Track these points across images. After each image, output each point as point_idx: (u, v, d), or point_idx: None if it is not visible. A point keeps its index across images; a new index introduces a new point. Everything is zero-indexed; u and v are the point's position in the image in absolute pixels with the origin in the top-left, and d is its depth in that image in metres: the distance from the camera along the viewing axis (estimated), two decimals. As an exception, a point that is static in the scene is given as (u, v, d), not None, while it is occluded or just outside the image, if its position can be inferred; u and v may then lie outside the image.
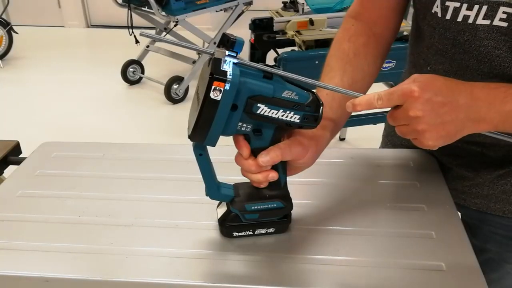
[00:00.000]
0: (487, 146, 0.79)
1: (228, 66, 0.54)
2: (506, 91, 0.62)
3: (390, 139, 0.99)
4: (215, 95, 0.54)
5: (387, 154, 0.89)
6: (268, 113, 0.58)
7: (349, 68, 0.75)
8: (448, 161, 0.85)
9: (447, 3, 0.71)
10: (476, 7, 0.68)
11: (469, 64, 0.73)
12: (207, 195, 0.66)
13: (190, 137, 0.58)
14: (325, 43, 2.39)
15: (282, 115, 0.59)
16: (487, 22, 0.68)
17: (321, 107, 0.61)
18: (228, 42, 0.55)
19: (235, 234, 0.67)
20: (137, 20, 3.24)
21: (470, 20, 0.70)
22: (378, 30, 0.81)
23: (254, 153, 0.64)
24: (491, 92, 0.62)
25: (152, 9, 3.03)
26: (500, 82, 0.67)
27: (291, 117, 0.60)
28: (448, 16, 0.72)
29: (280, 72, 0.59)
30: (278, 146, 0.62)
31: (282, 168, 0.65)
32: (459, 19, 0.70)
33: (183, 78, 3.25)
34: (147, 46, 3.46)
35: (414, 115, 0.58)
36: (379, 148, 1.02)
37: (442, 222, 0.70)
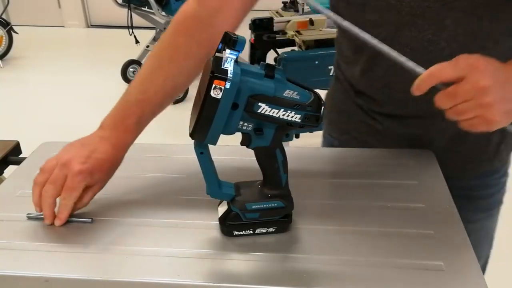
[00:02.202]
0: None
1: (229, 65, 0.54)
2: None
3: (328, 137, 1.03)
4: (215, 94, 0.54)
5: (387, 154, 0.89)
6: (269, 112, 0.58)
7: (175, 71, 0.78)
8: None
9: None
10: None
11: (404, 21, 0.77)
12: (208, 193, 0.66)
13: (191, 135, 0.58)
14: (325, 43, 2.40)
15: (283, 115, 0.59)
16: None
17: (323, 107, 0.61)
18: (229, 41, 0.54)
19: (236, 233, 0.67)
20: (137, 20, 3.25)
21: None
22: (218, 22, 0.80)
23: (255, 152, 0.64)
24: None
25: (152, 9, 3.03)
26: (435, 30, 0.75)
27: (292, 117, 0.60)
28: None
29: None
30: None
31: (283, 167, 0.65)
32: None
33: (183, 78, 3.25)
34: (147, 46, 3.46)
35: (483, 85, 0.57)
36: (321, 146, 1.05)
37: (442, 222, 0.70)
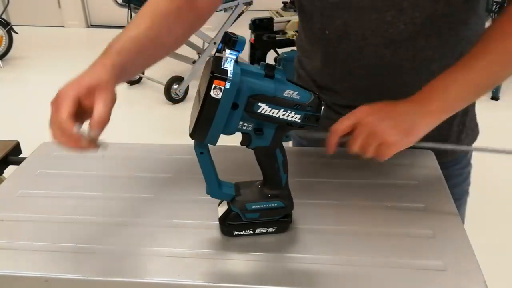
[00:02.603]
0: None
1: (229, 65, 0.54)
2: (444, 82, 0.72)
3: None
4: (215, 94, 0.54)
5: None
6: (269, 112, 0.58)
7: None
8: None
9: None
10: None
11: (364, 4, 0.80)
12: (208, 193, 0.66)
13: (191, 135, 0.58)
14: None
15: (283, 115, 0.59)
16: None
17: (323, 107, 0.61)
18: (230, 41, 0.54)
19: (236, 233, 0.67)
20: (137, 20, 3.24)
21: None
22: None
23: (255, 152, 0.64)
24: (427, 90, 0.72)
25: (152, 9, 3.03)
26: (394, 12, 0.78)
27: (292, 117, 0.60)
28: None
29: None
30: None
31: (283, 167, 0.65)
32: None
33: (183, 78, 3.25)
34: (147, 46, 3.45)
35: (369, 122, 0.69)
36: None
37: (442, 222, 0.70)
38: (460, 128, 0.93)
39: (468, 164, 1.00)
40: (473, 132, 0.97)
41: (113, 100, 0.67)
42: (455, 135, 0.93)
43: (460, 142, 0.94)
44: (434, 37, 0.82)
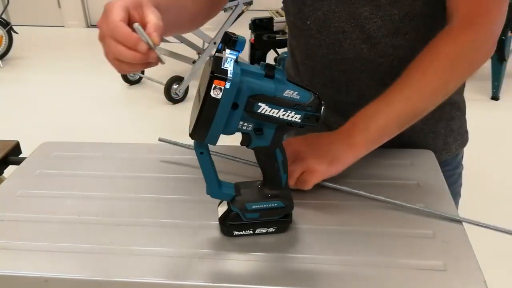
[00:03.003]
0: None
1: (229, 65, 0.54)
2: (367, 114, 0.76)
3: None
4: (215, 94, 0.54)
5: (387, 154, 0.89)
6: (269, 112, 0.58)
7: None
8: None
9: None
10: None
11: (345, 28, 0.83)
12: (208, 193, 0.66)
13: (191, 135, 0.58)
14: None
15: (283, 115, 0.59)
16: None
17: (323, 107, 0.61)
18: (230, 41, 0.54)
19: (236, 233, 0.67)
20: (137, 20, 3.24)
21: None
22: None
23: (255, 152, 0.64)
24: (351, 122, 0.77)
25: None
26: (372, 7, 0.80)
27: (292, 117, 0.60)
28: None
29: None
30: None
31: (283, 167, 0.65)
32: None
33: (183, 78, 3.26)
34: (147, 46, 3.45)
35: (297, 151, 0.74)
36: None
37: (442, 222, 0.70)
38: (447, 132, 0.93)
39: (459, 165, 1.00)
40: (462, 137, 0.97)
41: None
42: (442, 138, 0.93)
43: (448, 145, 0.94)
44: (412, 35, 0.83)
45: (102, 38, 0.62)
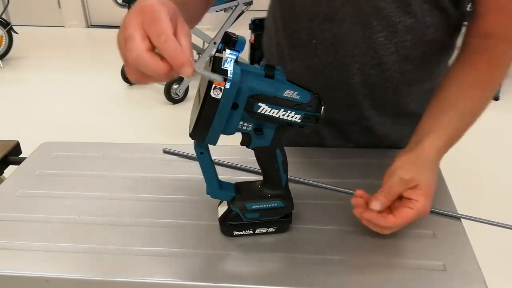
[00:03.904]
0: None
1: (229, 65, 0.54)
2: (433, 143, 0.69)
3: None
4: (215, 94, 0.54)
5: (387, 154, 0.88)
6: (269, 112, 0.58)
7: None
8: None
9: None
10: None
11: (358, 20, 0.79)
12: (208, 193, 0.66)
13: (191, 135, 0.58)
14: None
15: (283, 115, 0.59)
16: None
17: (322, 107, 0.61)
18: (230, 41, 0.54)
19: (236, 233, 0.67)
20: (137, 20, 3.24)
21: None
22: None
23: (255, 152, 0.64)
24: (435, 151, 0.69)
25: (152, 9, 3.02)
26: (387, 33, 0.78)
27: (292, 117, 0.60)
28: None
29: None
30: None
31: (283, 167, 0.65)
32: None
33: (183, 78, 3.25)
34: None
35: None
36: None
37: (442, 222, 0.70)
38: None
39: None
40: None
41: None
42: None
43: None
44: (419, 60, 0.83)
45: (130, 39, 0.51)
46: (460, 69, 0.76)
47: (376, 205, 0.64)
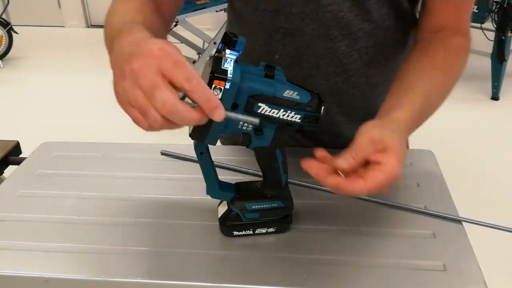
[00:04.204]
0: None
1: (229, 65, 0.54)
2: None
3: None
4: (215, 94, 0.54)
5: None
6: (269, 112, 0.58)
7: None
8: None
9: None
10: None
11: (319, 32, 0.79)
12: (208, 193, 0.66)
13: (191, 135, 0.58)
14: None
15: (283, 115, 0.59)
16: None
17: (322, 107, 0.61)
18: (230, 41, 0.54)
19: (236, 233, 0.67)
20: (137, 20, 3.24)
21: None
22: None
23: (255, 152, 0.64)
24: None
25: (152, 9, 3.03)
26: (349, 41, 0.79)
27: (292, 117, 0.60)
28: None
29: None
30: None
31: (283, 167, 0.65)
32: None
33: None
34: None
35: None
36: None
37: (442, 222, 0.70)
38: None
39: None
40: None
41: None
42: None
43: None
44: (382, 63, 0.84)
45: (157, 88, 0.48)
46: (418, 57, 0.76)
47: (342, 162, 0.57)
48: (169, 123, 0.50)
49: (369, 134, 0.59)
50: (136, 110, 0.50)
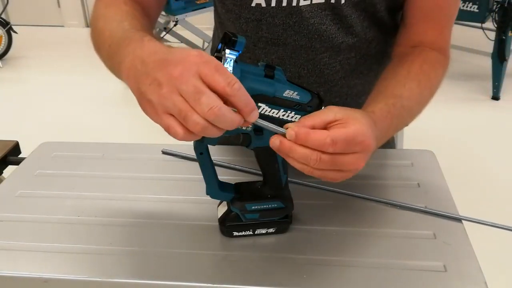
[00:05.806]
0: None
1: (228, 65, 0.54)
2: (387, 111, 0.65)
3: None
4: (215, 94, 0.54)
5: (387, 154, 0.89)
6: (269, 112, 0.58)
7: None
8: None
9: None
10: None
11: (301, 43, 0.80)
12: (207, 194, 0.65)
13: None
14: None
15: (283, 115, 0.59)
16: (308, 2, 0.76)
17: (323, 107, 0.61)
18: (229, 41, 0.54)
19: (235, 233, 0.67)
20: (137, 20, 3.24)
21: (294, 3, 0.76)
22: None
23: (255, 153, 0.64)
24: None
25: (152, 9, 3.03)
26: (331, 53, 0.79)
27: (292, 117, 0.59)
28: (273, 4, 0.77)
29: None
30: None
31: (283, 168, 0.65)
32: (284, 4, 0.76)
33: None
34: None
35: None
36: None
37: (442, 223, 0.70)
38: None
39: None
40: None
41: None
42: None
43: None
44: (365, 73, 0.84)
45: (202, 93, 0.48)
46: (395, 68, 0.76)
47: (290, 131, 0.54)
48: (210, 128, 0.49)
49: (331, 109, 0.57)
50: (171, 117, 0.50)
